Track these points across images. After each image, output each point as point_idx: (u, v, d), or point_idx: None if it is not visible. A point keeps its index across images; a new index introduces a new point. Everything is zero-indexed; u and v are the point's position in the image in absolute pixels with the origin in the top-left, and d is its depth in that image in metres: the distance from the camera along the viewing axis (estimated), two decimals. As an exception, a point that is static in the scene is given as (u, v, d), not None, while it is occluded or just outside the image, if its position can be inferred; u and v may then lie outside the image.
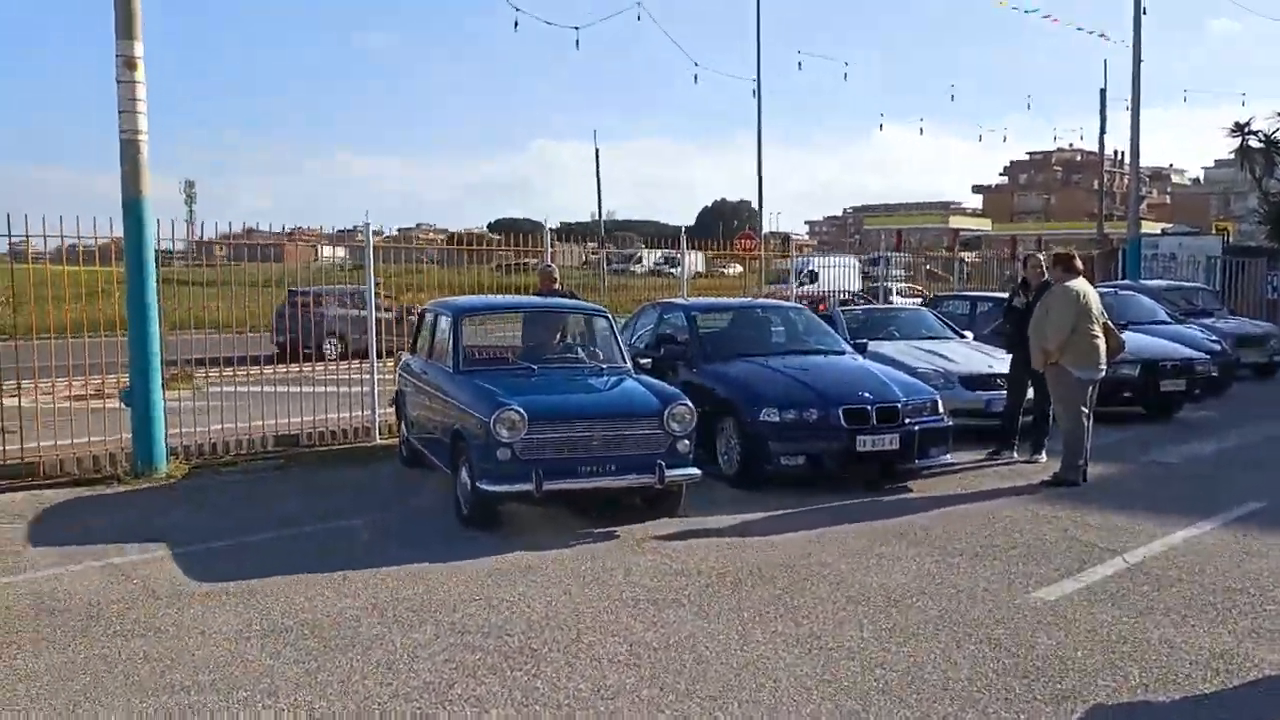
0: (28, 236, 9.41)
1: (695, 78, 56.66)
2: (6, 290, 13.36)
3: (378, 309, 11.28)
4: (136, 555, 6.42)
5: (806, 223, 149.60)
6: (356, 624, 5.25)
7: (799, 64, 58.38)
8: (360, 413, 10.80)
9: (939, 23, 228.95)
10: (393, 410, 9.98)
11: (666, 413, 7.15)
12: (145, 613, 5.39)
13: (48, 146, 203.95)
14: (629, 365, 8.16)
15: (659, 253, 30.33)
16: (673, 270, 21.79)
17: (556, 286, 10.57)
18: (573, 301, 9.72)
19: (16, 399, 9.28)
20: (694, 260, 24.89)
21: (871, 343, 10.60)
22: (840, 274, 20.01)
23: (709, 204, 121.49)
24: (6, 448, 8.63)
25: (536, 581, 5.96)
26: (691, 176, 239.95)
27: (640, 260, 36.28)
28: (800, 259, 22.48)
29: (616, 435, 7.03)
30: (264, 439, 9.98)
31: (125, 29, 8.63)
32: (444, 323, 8.36)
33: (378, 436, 10.54)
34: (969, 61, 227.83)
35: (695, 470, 7.32)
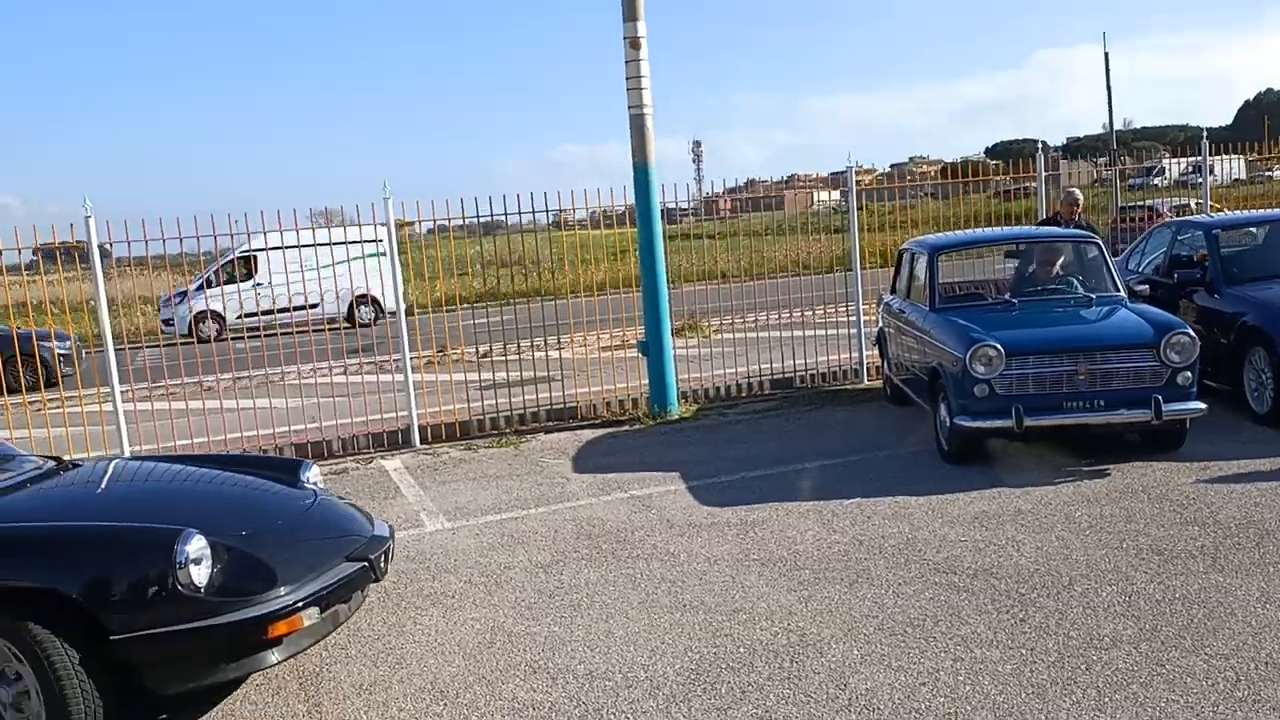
0: (560, 210, 10.92)
1: None
2: (552, 256, 15.59)
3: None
4: (654, 488, 7.27)
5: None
6: (845, 557, 5.52)
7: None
8: (849, 355, 11.08)
9: None
10: (876, 350, 10.13)
11: (1164, 342, 6.54)
12: (662, 539, 6.12)
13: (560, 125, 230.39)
14: (1122, 294, 7.54)
15: (1185, 161, 26.93)
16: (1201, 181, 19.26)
17: (1078, 214, 9.91)
18: (1057, 230, 9.09)
19: (558, 351, 10.90)
20: (1231, 167, 21.76)
21: None
22: None
23: (1250, 97, 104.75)
24: (552, 394, 10.16)
25: (1026, 525, 5.79)
26: (1227, 66, 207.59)
27: (1163, 173, 32.52)
28: None
29: (1105, 368, 6.59)
30: (761, 382, 10.67)
31: (630, 11, 9.53)
32: (920, 261, 8.32)
33: (864, 378, 10.76)
34: None
35: (1199, 405, 6.64)
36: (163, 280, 18.33)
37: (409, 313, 10.73)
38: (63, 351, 13.30)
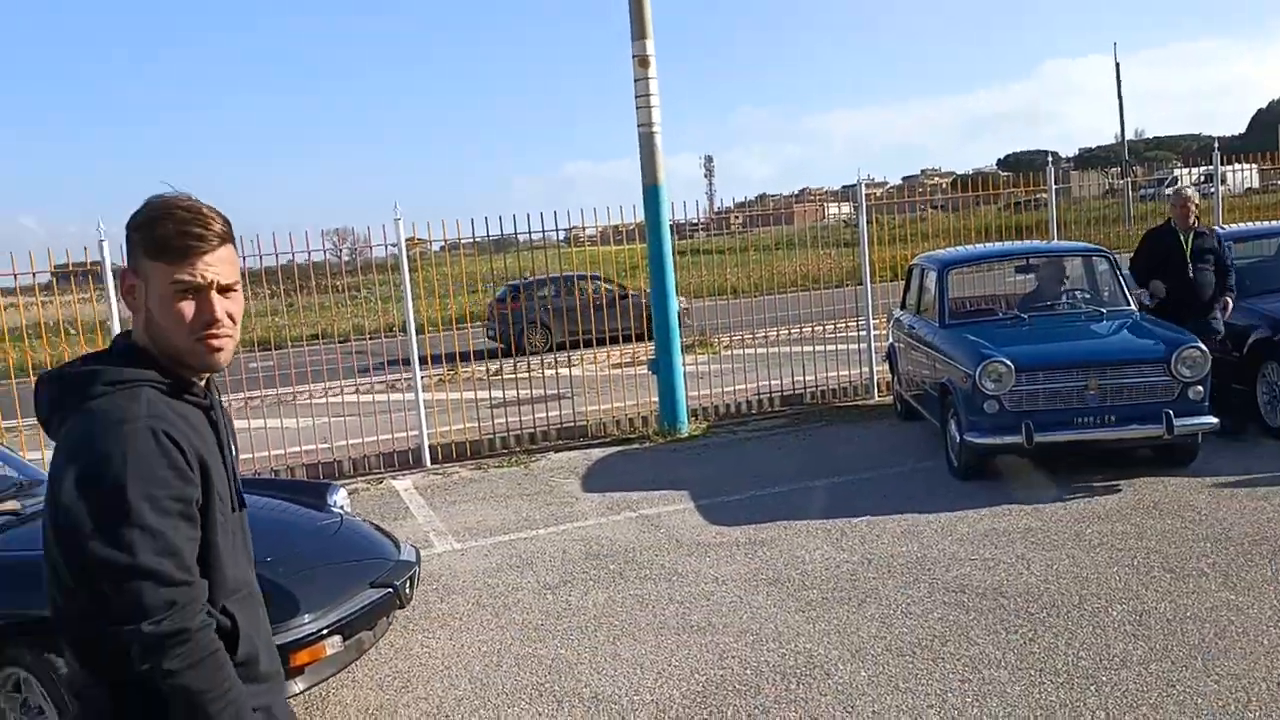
0: (570, 227, 10.96)
1: None
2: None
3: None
4: (663, 507, 7.26)
5: None
6: (853, 577, 5.49)
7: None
8: (859, 370, 11.05)
9: None
10: (886, 366, 10.10)
11: (1174, 357, 6.49)
12: (670, 559, 6.11)
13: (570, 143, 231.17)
14: (1133, 308, 7.50)
15: (1197, 171, 26.84)
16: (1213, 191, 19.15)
17: (1194, 217, 7.64)
18: (1067, 244, 9.06)
19: (569, 369, 10.91)
20: (1243, 176, 21.64)
21: None
22: None
23: (1264, 105, 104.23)
24: (562, 412, 10.17)
25: (1036, 542, 5.75)
26: (1243, 77, 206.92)
27: (1176, 182, 32.44)
28: None
29: (1115, 383, 6.56)
30: (771, 399, 10.65)
31: (639, 30, 9.58)
32: (930, 276, 8.31)
33: (875, 394, 10.73)
34: None
35: (1211, 419, 6.58)
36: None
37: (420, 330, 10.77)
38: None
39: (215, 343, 1.77)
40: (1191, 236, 7.62)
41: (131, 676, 1.63)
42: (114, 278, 8.63)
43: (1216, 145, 13.01)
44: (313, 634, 3.97)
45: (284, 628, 3.91)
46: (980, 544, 5.82)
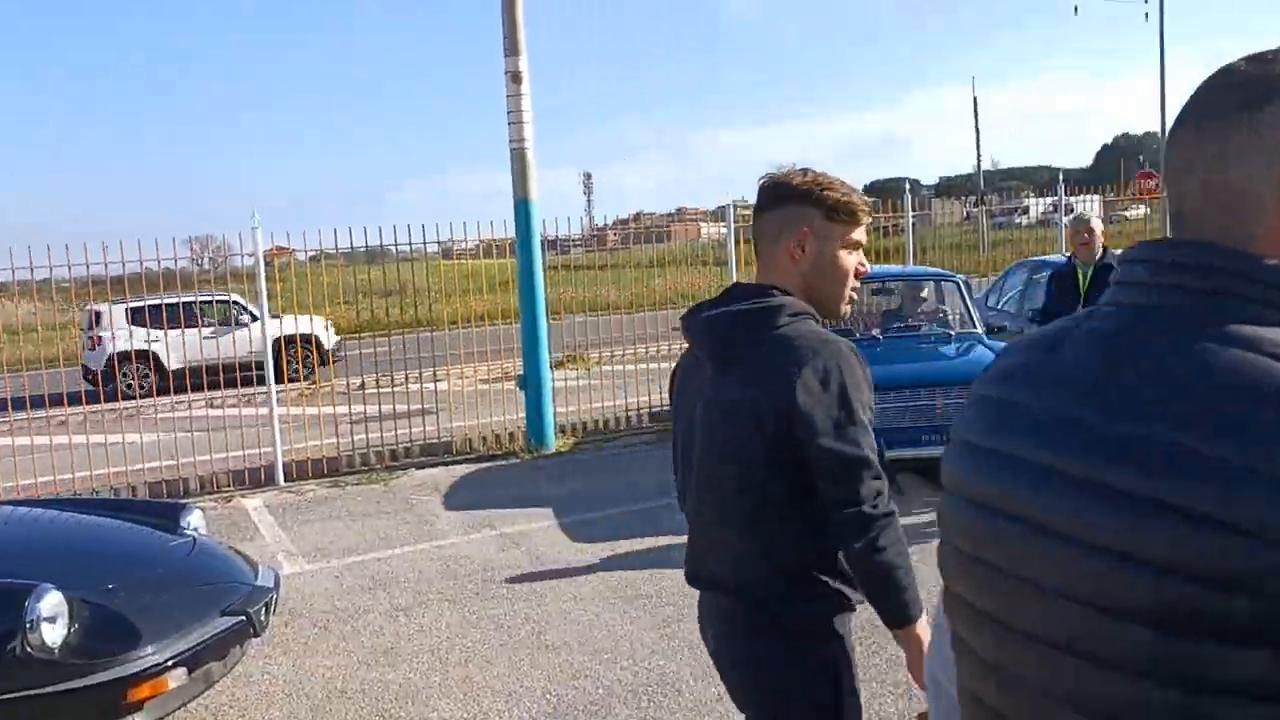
0: (440, 241, 10.77)
1: (1075, 9, 49.70)
2: (436, 285, 15.39)
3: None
4: (525, 524, 7.15)
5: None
6: (710, 594, 5.50)
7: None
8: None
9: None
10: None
11: None
12: (529, 578, 6.01)
13: (459, 153, 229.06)
14: (980, 330, 7.84)
15: (1047, 201, 28.31)
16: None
17: (1096, 245, 6.37)
18: (921, 269, 9.41)
19: (434, 384, 10.70)
20: (1088, 208, 22.92)
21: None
22: None
23: (1109, 140, 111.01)
24: (425, 428, 9.96)
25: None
26: (1089, 111, 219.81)
27: (1026, 211, 34.00)
28: None
29: (960, 402, 6.81)
30: (640, 415, 10.66)
31: (511, 46, 9.49)
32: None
33: (744, 410, 10.86)
34: None
35: None
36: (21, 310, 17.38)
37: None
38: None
39: (855, 295, 2.18)
40: (1092, 270, 6.41)
41: (851, 548, 1.94)
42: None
43: (1061, 177, 13.70)
44: (155, 666, 3.73)
45: (123, 659, 3.69)
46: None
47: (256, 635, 4.37)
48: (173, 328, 12.28)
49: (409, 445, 9.66)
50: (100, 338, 14.60)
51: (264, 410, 9.39)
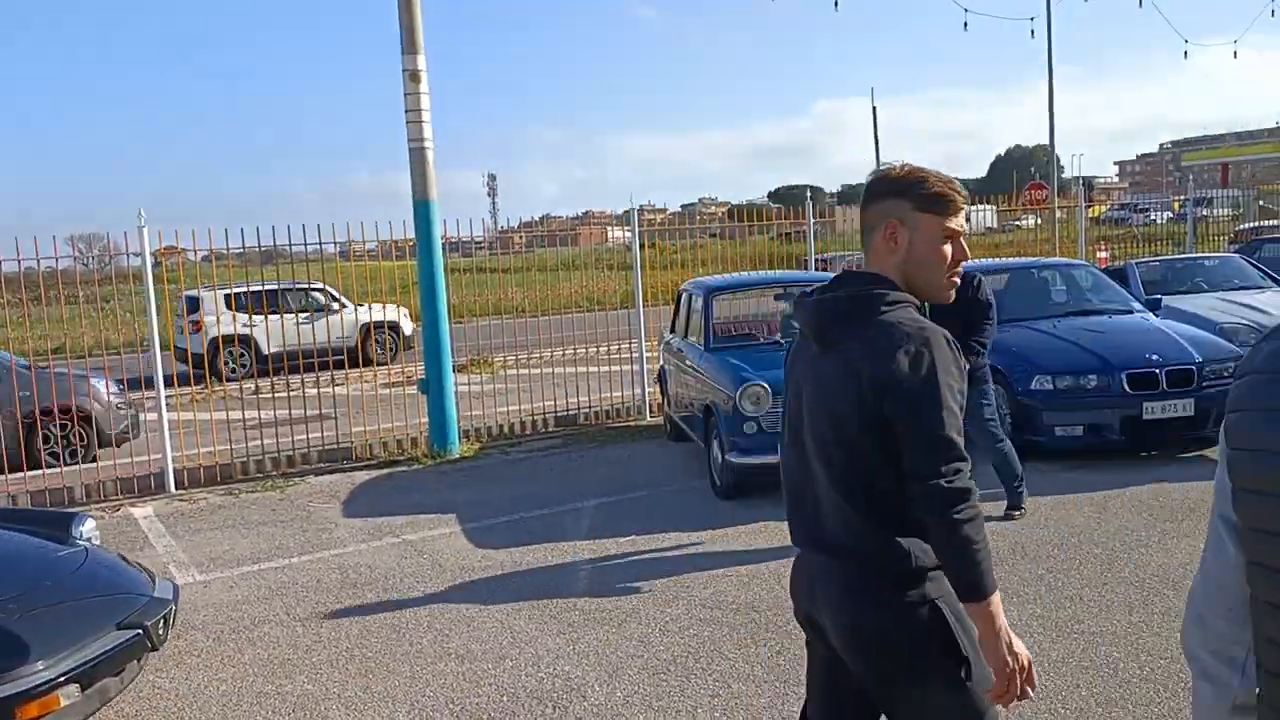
0: (339, 242, 10.55)
1: (965, 25, 51.50)
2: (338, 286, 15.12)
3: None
4: (427, 531, 7.05)
5: (1116, 164, 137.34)
6: (616, 597, 5.50)
7: (1089, -9, 52.41)
8: (632, 391, 11.20)
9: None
10: (658, 388, 10.29)
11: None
12: (431, 585, 5.92)
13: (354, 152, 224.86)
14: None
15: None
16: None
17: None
18: (822, 274, 9.57)
19: (332, 388, 10.46)
20: (983, 217, 23.66)
21: (1173, 298, 9.71)
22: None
23: (1002, 152, 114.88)
24: (324, 434, 9.73)
25: (790, 557, 5.96)
26: (985, 124, 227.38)
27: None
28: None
29: None
30: (545, 419, 10.61)
31: (409, 45, 9.37)
32: (697, 301, 8.54)
33: (648, 415, 10.91)
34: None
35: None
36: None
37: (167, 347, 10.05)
38: None
39: (956, 280, 2.25)
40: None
41: (931, 520, 2.03)
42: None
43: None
44: (45, 683, 3.57)
45: (11, 677, 3.52)
46: (738, 561, 5.98)
47: (155, 649, 4.22)
48: (272, 314, 13.34)
49: (306, 451, 9.43)
50: (202, 322, 14.90)
51: (153, 415, 9.06)
